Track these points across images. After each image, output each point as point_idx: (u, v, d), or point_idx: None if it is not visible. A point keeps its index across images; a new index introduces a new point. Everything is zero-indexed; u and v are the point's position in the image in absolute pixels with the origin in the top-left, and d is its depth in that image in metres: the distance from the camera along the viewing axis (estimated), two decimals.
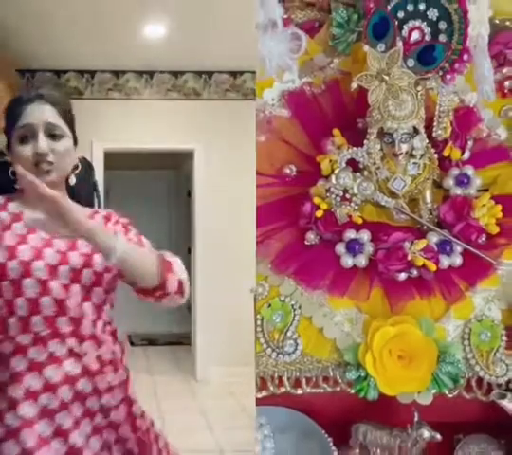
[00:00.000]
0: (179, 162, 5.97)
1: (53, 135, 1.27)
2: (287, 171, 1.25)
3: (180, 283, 1.21)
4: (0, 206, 1.30)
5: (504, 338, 1.11)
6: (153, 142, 4.46)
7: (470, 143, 1.22)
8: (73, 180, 1.36)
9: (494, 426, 1.18)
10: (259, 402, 1.15)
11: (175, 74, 4.62)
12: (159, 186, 6.41)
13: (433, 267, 1.10)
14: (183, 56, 4.28)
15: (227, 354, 4.39)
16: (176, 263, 1.23)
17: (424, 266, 1.12)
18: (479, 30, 0.96)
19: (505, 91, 1.30)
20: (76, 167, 1.35)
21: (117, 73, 4.54)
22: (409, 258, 1.11)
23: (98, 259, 1.21)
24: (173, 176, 6.81)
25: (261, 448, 1.02)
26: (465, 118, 1.22)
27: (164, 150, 4.77)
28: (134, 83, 4.57)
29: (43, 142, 1.26)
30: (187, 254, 5.30)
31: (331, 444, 1.18)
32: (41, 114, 1.29)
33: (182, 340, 5.45)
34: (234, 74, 4.64)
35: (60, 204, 1.08)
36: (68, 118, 1.35)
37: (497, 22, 1.19)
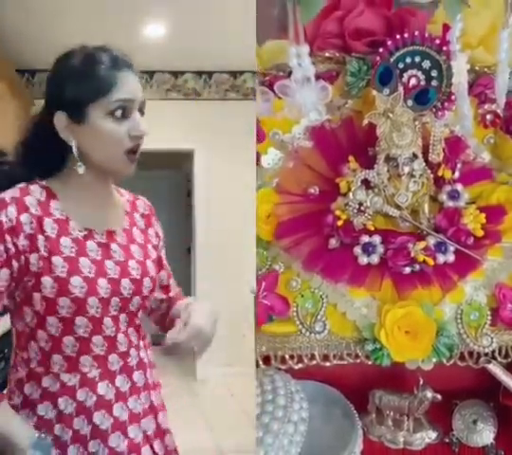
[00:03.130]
0: (179, 162, 5.60)
1: (141, 114, 1.08)
2: (312, 191, 1.38)
3: None
4: (42, 204, 1.04)
5: (489, 317, 1.27)
6: (153, 142, 4.28)
7: (459, 165, 1.35)
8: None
9: (485, 392, 1.35)
10: (294, 375, 1.33)
11: (175, 74, 4.43)
12: (159, 186, 5.96)
13: (431, 262, 1.25)
14: (183, 56, 4.10)
15: (227, 354, 4.14)
16: None
17: (424, 262, 1.25)
18: (459, 80, 1.17)
19: (487, 123, 1.40)
20: None
21: None
22: (412, 255, 1.25)
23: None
24: (173, 176, 6.37)
25: (299, 407, 1.24)
26: (454, 145, 1.36)
27: (164, 150, 4.45)
28: None
29: (143, 123, 1.06)
30: (187, 254, 5.04)
31: (353, 409, 1.33)
32: (138, 87, 1.07)
33: None
34: (234, 74, 4.46)
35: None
36: None
37: (477, 69, 1.35)
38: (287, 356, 1.29)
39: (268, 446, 1.12)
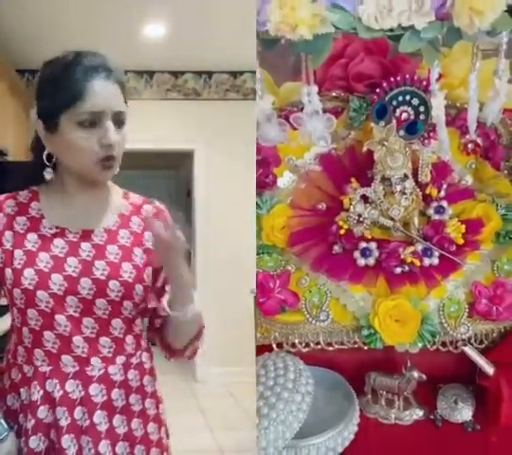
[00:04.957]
0: (179, 162, 5.50)
1: (118, 123, 1.03)
2: (320, 206, 1.56)
3: (196, 351, 1.17)
4: (22, 205, 1.09)
5: (466, 310, 1.44)
6: (153, 142, 4.07)
7: (445, 186, 1.52)
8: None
9: (464, 377, 1.51)
10: (302, 358, 1.48)
11: (175, 74, 4.35)
12: (159, 186, 5.88)
13: (418, 264, 1.44)
14: (183, 56, 3.99)
15: (227, 354, 4.11)
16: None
17: (412, 263, 1.43)
18: (438, 113, 1.33)
19: (469, 151, 1.56)
20: None
21: None
22: (402, 258, 1.44)
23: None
24: (173, 176, 6.28)
25: (306, 382, 1.44)
26: (441, 169, 1.54)
27: (164, 150, 4.40)
28: (134, 83, 4.23)
29: (113, 133, 1.00)
30: (187, 254, 5.17)
31: (353, 391, 1.47)
32: (110, 98, 1.01)
33: None
34: (234, 74, 4.40)
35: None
36: (126, 99, 1.06)
37: (458, 105, 1.53)
38: (297, 341, 1.50)
39: (280, 411, 1.33)
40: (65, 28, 3.32)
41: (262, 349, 1.53)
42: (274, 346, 1.52)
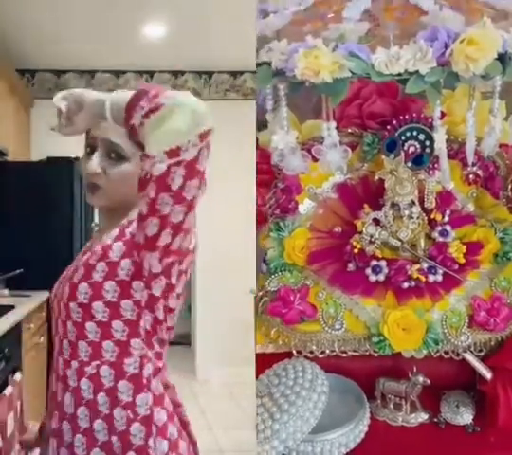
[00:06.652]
0: None
1: (112, 155, 1.03)
2: (336, 230, 1.68)
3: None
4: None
5: (467, 321, 1.57)
6: None
7: (449, 212, 1.64)
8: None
9: (465, 385, 1.63)
10: (318, 363, 1.62)
11: (175, 74, 4.28)
12: None
13: (423, 279, 1.56)
14: (183, 56, 3.93)
15: (227, 354, 4.07)
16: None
17: (418, 279, 1.57)
18: (440, 146, 1.44)
19: (470, 181, 1.68)
20: None
21: (117, 73, 4.16)
22: (409, 274, 1.57)
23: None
24: None
25: (322, 383, 1.58)
26: (445, 197, 1.66)
27: None
28: (134, 83, 4.15)
29: (94, 162, 1.02)
30: None
31: (364, 396, 1.58)
32: (102, 129, 1.01)
33: (182, 340, 4.85)
34: (234, 74, 4.33)
35: None
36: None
37: (460, 140, 1.64)
38: (314, 348, 1.64)
39: (299, 407, 1.47)
40: (66, 29, 3.30)
41: (282, 355, 1.67)
42: (294, 352, 1.66)
